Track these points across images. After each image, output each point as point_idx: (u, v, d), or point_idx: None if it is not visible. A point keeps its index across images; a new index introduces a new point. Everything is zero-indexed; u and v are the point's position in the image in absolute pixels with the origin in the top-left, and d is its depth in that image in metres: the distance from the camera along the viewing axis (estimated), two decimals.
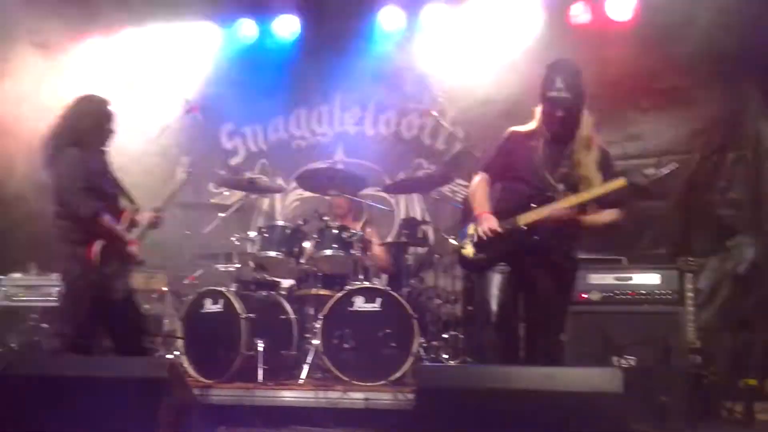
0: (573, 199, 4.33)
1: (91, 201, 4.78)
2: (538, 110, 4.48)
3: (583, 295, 5.82)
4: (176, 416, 3.79)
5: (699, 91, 7.04)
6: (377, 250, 6.66)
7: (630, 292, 5.82)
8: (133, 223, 5.06)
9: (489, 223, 4.44)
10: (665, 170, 4.21)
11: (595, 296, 5.85)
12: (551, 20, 7.38)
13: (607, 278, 5.87)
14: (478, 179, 4.72)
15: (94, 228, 4.79)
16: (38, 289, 7.04)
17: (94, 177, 4.86)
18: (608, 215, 4.42)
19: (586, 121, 4.41)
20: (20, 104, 7.60)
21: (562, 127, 4.40)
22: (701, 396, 5.38)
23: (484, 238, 4.44)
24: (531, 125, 4.53)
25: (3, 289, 7.09)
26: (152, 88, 8.22)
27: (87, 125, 4.94)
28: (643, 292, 5.79)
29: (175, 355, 5.96)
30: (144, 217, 5.13)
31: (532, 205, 4.40)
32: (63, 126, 4.94)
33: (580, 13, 7.31)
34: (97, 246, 4.77)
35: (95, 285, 4.79)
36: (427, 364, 5.80)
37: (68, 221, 4.81)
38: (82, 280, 4.79)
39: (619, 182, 4.25)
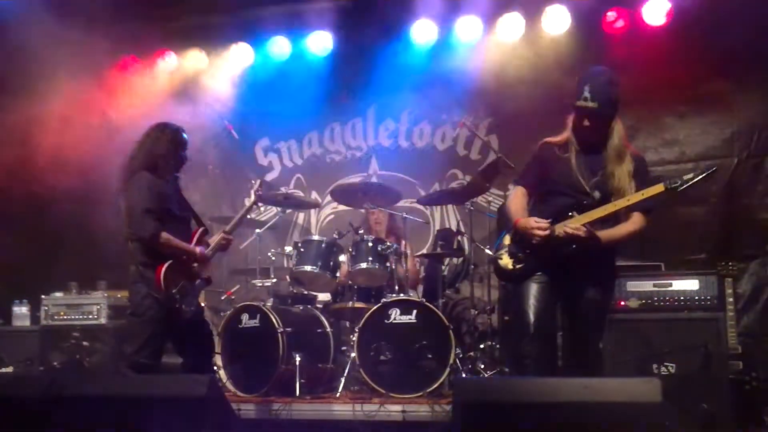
0: (611, 207, 4.28)
1: (153, 222, 4.85)
2: (570, 120, 4.46)
3: (621, 303, 5.78)
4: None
5: (736, 95, 6.97)
6: (411, 263, 6.66)
7: (669, 298, 5.76)
8: (203, 244, 5.19)
9: (536, 223, 4.40)
10: (703, 174, 4.14)
11: (634, 303, 5.80)
12: (585, 27, 7.34)
13: (646, 285, 5.83)
14: (513, 191, 4.71)
15: (159, 249, 4.89)
16: (79, 308, 7.16)
17: (163, 200, 4.97)
18: (625, 228, 4.36)
19: (618, 130, 4.37)
20: (66, 125, 7.76)
21: (590, 137, 4.38)
22: (743, 402, 5.29)
23: (541, 239, 4.38)
24: (563, 135, 4.51)
25: (45, 308, 7.22)
26: (189, 107, 8.32)
27: (161, 151, 5.06)
28: (683, 298, 5.74)
29: (213, 371, 6.02)
30: (213, 239, 5.28)
31: (570, 213, 4.37)
32: (138, 151, 5.08)
33: (615, 20, 7.25)
34: (163, 268, 4.85)
35: (162, 305, 4.86)
36: (465, 376, 5.78)
37: (136, 243, 4.93)
38: (148, 299, 4.86)
39: (657, 188, 4.20)
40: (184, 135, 5.17)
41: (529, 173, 4.69)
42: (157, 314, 4.86)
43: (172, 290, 4.86)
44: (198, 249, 5.07)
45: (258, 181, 5.67)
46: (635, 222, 4.35)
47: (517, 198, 4.67)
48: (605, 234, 4.32)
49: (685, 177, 4.15)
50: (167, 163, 5.07)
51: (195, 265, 5.07)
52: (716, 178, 6.85)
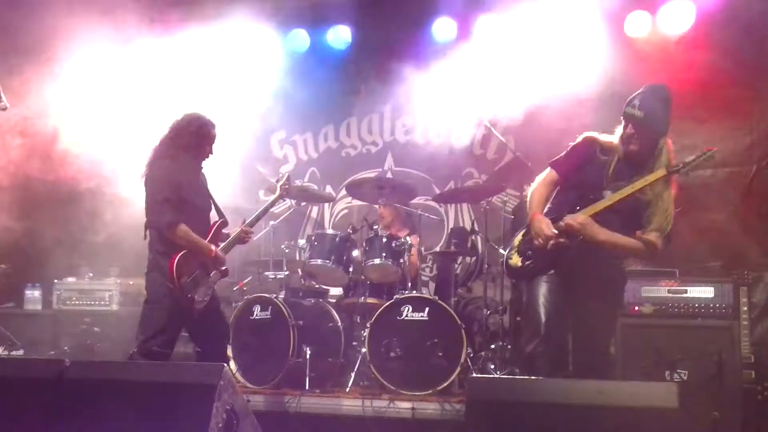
0: (616, 196, 4.25)
1: (170, 212, 4.88)
2: (620, 126, 4.44)
3: (635, 308, 5.76)
4: (227, 423, 3.80)
5: (755, 102, 6.91)
6: (413, 257, 6.62)
7: (683, 305, 5.74)
8: (221, 237, 5.20)
9: (540, 225, 4.39)
10: (703, 156, 4.15)
11: (647, 309, 5.78)
12: (607, 31, 7.29)
13: (660, 291, 5.82)
14: (544, 176, 4.67)
15: (176, 240, 4.91)
16: (91, 293, 7.18)
17: (184, 190, 4.98)
18: (605, 234, 4.28)
19: (668, 152, 4.33)
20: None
21: (632, 147, 4.33)
22: (755, 411, 5.26)
23: (541, 245, 4.37)
24: (612, 138, 4.48)
25: (57, 293, 7.24)
26: (204, 96, 8.31)
27: (186, 142, 5.08)
28: (697, 305, 5.72)
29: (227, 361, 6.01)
30: (233, 232, 5.28)
31: (577, 208, 4.36)
32: (165, 139, 5.12)
33: (636, 24, 7.20)
34: (176, 258, 4.87)
35: (175, 294, 4.87)
36: (478, 375, 5.76)
37: (155, 231, 4.97)
38: (163, 288, 4.89)
39: (659, 172, 4.20)
40: (212, 130, 5.17)
41: (567, 161, 4.63)
42: (171, 303, 4.88)
43: (185, 280, 4.87)
44: (213, 248, 5.05)
45: (285, 175, 5.65)
46: (650, 236, 4.26)
47: (543, 186, 4.64)
48: (607, 233, 4.27)
49: (686, 159, 4.18)
50: (191, 154, 5.09)
51: (212, 258, 5.07)
52: (734, 186, 6.86)
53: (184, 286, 4.87)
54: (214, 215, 5.30)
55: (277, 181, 5.70)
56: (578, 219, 4.27)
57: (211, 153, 5.21)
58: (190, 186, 5.05)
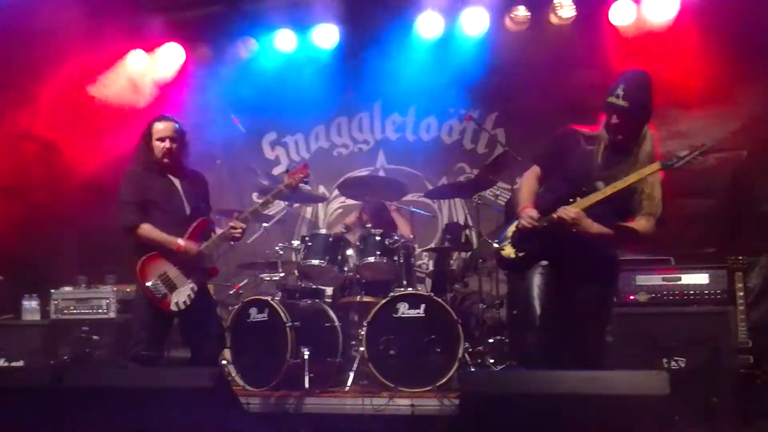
0: (609, 189, 4.25)
1: (131, 215, 4.96)
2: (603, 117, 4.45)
3: (630, 297, 5.77)
4: (223, 425, 3.82)
5: (744, 87, 6.93)
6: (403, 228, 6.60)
7: (678, 292, 5.75)
8: (204, 236, 5.17)
9: (530, 213, 4.43)
10: (697, 151, 4.13)
11: (643, 297, 5.79)
12: (592, 21, 7.30)
13: (655, 279, 5.83)
14: (529, 172, 4.72)
15: (140, 241, 4.98)
16: (88, 301, 7.18)
17: (147, 193, 5.02)
18: (597, 228, 4.30)
19: (651, 137, 4.35)
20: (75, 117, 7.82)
21: (619, 136, 4.35)
22: (752, 396, 5.26)
23: (527, 226, 4.42)
24: (594, 128, 4.49)
25: (54, 302, 7.24)
26: (195, 101, 8.33)
27: (144, 144, 5.12)
28: (692, 292, 5.74)
29: (221, 364, 6.03)
30: (217, 231, 5.26)
31: (570, 200, 4.36)
32: (136, 145, 5.17)
33: (621, 13, 7.21)
34: (142, 258, 4.97)
35: (147, 295, 4.93)
36: (472, 369, 5.77)
37: (125, 234, 5.02)
38: (139, 291, 4.98)
39: (653, 167, 4.19)
40: (158, 124, 5.13)
41: (547, 155, 4.67)
42: (146, 305, 4.95)
43: (153, 281, 4.94)
44: (179, 241, 5.01)
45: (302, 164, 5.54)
46: (640, 223, 4.30)
47: (528, 181, 4.69)
48: (598, 227, 4.28)
49: (680, 154, 4.17)
50: (146, 155, 5.10)
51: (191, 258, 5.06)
52: (725, 171, 6.88)
53: (153, 286, 4.93)
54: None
55: (291, 174, 5.45)
56: (571, 213, 4.28)
57: (163, 149, 5.09)
58: (158, 189, 5.07)
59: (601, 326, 4.58)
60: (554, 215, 4.34)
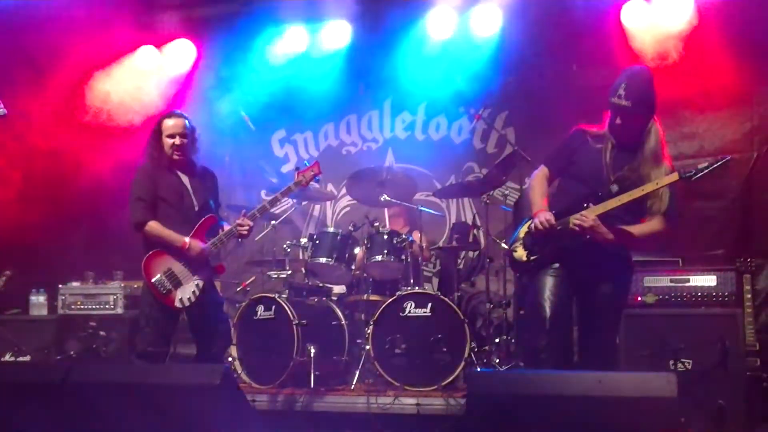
0: (625, 197, 4.26)
1: (141, 211, 5.00)
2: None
3: (638, 298, 5.75)
4: (230, 423, 3.81)
5: (755, 88, 6.89)
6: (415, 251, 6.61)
7: (686, 294, 5.73)
8: (211, 233, 5.19)
9: (547, 216, 4.42)
10: (718, 163, 4.12)
11: (651, 299, 5.77)
12: (605, 20, 7.27)
13: (663, 281, 5.81)
14: (538, 173, 4.71)
15: (147, 237, 5.04)
16: (96, 297, 7.19)
17: (157, 190, 5.05)
18: (640, 227, 4.33)
19: (655, 132, 4.34)
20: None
21: (624, 135, 4.35)
22: (760, 399, 5.24)
23: (540, 228, 4.41)
24: (600, 127, 4.49)
25: (62, 297, 7.26)
26: (204, 97, 8.34)
27: (154, 142, 5.15)
28: (700, 294, 5.71)
29: (228, 362, 6.03)
30: (225, 227, 5.28)
31: (585, 205, 4.35)
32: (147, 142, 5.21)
33: (633, 14, 7.16)
34: (147, 255, 5.02)
35: (152, 291, 4.98)
36: (478, 369, 5.76)
37: (135, 231, 5.07)
38: (145, 287, 5.05)
39: (672, 177, 4.18)
40: (167, 121, 5.16)
41: (558, 156, 4.68)
42: (151, 301, 5.00)
43: (158, 277, 4.98)
44: (185, 239, 5.03)
45: (314, 161, 5.54)
46: (652, 224, 4.33)
47: (538, 182, 4.67)
48: (617, 229, 4.30)
49: (700, 165, 4.15)
50: (156, 152, 5.13)
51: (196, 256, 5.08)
52: (735, 173, 6.83)
53: (158, 282, 4.97)
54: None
55: (296, 168, 5.56)
56: (588, 221, 4.28)
57: (172, 146, 5.12)
58: (166, 185, 5.10)
59: (614, 329, 4.59)
60: (571, 225, 4.33)
